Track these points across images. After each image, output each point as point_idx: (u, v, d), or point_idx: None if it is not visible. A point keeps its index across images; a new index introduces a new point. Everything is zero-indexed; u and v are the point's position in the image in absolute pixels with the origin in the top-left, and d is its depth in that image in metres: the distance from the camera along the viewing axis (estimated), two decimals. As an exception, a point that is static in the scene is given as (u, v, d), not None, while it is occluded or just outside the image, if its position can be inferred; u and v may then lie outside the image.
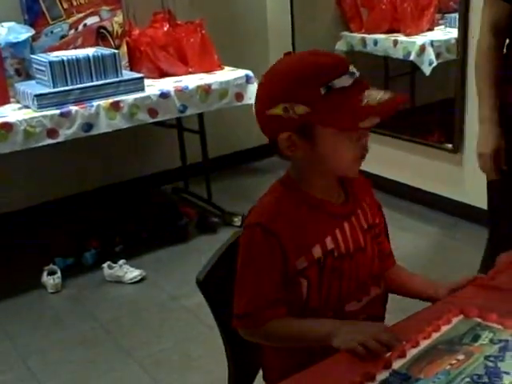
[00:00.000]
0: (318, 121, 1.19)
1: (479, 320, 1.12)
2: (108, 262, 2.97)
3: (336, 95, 1.17)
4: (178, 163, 3.88)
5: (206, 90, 3.17)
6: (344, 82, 1.18)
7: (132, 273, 2.95)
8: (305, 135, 1.22)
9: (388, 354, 1.03)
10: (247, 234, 1.28)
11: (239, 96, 3.29)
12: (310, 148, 1.23)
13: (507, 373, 0.97)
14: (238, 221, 3.32)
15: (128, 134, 3.37)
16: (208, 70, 3.37)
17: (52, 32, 3.18)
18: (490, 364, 0.99)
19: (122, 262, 2.97)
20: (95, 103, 2.85)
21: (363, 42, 3.95)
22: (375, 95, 1.20)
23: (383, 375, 0.98)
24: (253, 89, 3.29)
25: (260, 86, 1.29)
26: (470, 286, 1.32)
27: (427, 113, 3.79)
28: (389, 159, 3.67)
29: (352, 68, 1.20)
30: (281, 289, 1.25)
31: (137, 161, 3.89)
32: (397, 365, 1.00)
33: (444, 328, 1.10)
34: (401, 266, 1.47)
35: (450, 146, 3.37)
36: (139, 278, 2.94)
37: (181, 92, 3.09)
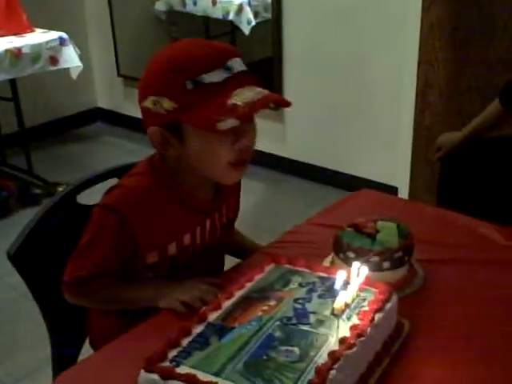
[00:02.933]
0: (183, 118, 1.10)
1: (289, 266, 1.17)
2: None
3: (203, 91, 1.08)
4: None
5: (15, 54, 2.96)
6: (214, 77, 1.08)
7: None
8: (175, 132, 1.14)
9: (203, 308, 1.04)
10: (101, 215, 1.18)
11: (54, 60, 3.12)
12: (181, 147, 1.15)
13: (313, 312, 1.03)
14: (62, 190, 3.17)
15: None
16: (17, 33, 3.15)
17: None
18: (298, 306, 1.05)
19: None
20: None
21: (183, 1, 3.92)
22: (248, 94, 1.09)
23: (199, 329, 1.00)
24: (69, 52, 3.14)
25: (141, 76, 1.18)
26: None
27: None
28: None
29: (232, 62, 1.11)
30: (119, 269, 1.21)
31: None
32: (212, 317, 1.02)
33: (257, 277, 1.14)
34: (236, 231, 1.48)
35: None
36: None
37: (-13, 56, 2.86)
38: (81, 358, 1.41)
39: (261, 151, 3.57)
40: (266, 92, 1.13)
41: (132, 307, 1.24)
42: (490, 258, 1.33)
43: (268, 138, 3.59)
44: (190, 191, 1.22)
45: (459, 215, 1.49)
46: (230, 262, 1.41)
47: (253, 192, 3.35)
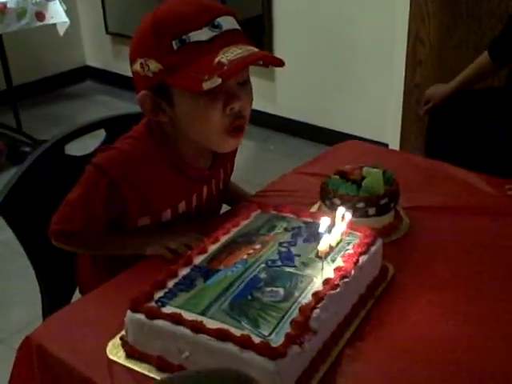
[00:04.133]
0: (170, 80, 1.06)
1: (275, 212, 1.18)
2: None
3: (189, 51, 1.04)
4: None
5: (0, 9, 2.91)
6: (201, 35, 1.04)
7: None
8: (164, 96, 1.10)
9: (189, 252, 1.05)
10: (93, 175, 1.14)
11: (40, 15, 3.07)
12: (172, 112, 1.12)
13: (298, 255, 1.04)
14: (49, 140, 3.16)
15: None
16: (0, -12, 3.09)
17: None
18: (283, 249, 1.06)
19: None
20: None
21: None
22: (235, 52, 1.04)
23: (185, 271, 1.00)
24: (55, 7, 3.08)
25: None
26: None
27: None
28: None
29: (221, 20, 1.06)
30: (107, 227, 1.21)
31: None
32: (198, 260, 1.03)
33: (243, 223, 1.15)
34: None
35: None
36: None
37: (-29, 12, 2.81)
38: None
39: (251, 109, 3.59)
40: (255, 49, 1.08)
41: (119, 253, 1.22)
42: (478, 207, 1.34)
43: (258, 95, 3.56)
44: (186, 159, 1.19)
45: (448, 165, 1.50)
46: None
47: (243, 149, 3.33)
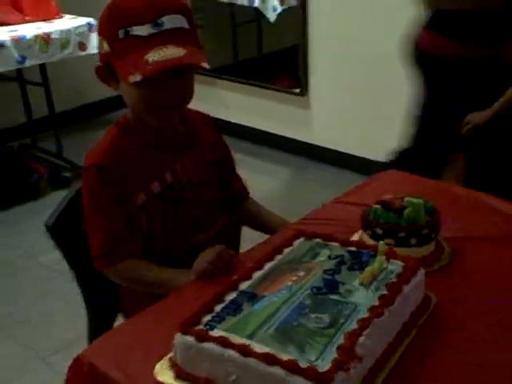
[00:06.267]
0: (114, 63, 1.21)
1: (318, 240, 1.20)
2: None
3: (131, 42, 1.17)
4: (23, 119, 3.69)
5: (45, 39, 3.01)
6: (140, 31, 1.17)
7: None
8: (112, 73, 1.24)
9: (234, 277, 1.08)
10: (85, 177, 1.31)
11: (82, 45, 3.17)
12: (118, 87, 1.26)
13: (343, 283, 1.05)
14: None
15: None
16: (46, 18, 3.21)
17: None
18: (328, 277, 1.07)
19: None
20: None
21: (208, -12, 3.94)
22: (166, 53, 1.17)
23: (231, 296, 1.03)
24: (96, 38, 3.18)
25: None
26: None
27: (275, 59, 3.89)
28: (241, 105, 3.74)
29: (165, 19, 1.17)
30: (128, 224, 1.28)
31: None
32: (244, 286, 1.06)
33: (286, 250, 1.17)
34: (258, 203, 1.54)
35: (297, 90, 3.50)
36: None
37: (18, 41, 2.91)
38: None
39: (286, 137, 3.63)
40: (182, 53, 1.17)
41: (159, 290, 1.26)
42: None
43: (293, 123, 3.62)
44: (155, 133, 1.31)
45: (488, 196, 1.50)
46: (255, 237, 1.45)
47: (278, 177, 3.38)
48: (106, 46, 1.20)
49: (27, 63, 2.99)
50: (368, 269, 1.02)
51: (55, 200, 3.40)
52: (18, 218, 3.01)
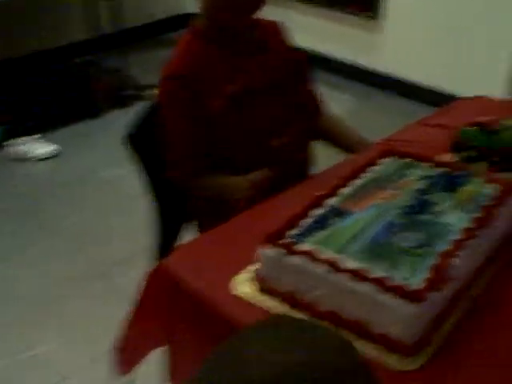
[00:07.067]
0: None
1: (408, 160, 1.14)
2: (16, 139, 2.83)
3: None
4: (89, 34, 3.66)
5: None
6: None
7: (46, 147, 2.83)
8: None
9: (319, 193, 1.04)
10: (161, 87, 1.29)
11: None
12: None
13: (435, 203, 1.01)
14: (150, 93, 3.20)
15: (29, 3, 3.10)
16: None
17: None
18: (420, 196, 1.03)
19: (37, 136, 2.85)
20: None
21: None
22: None
23: (318, 211, 1.00)
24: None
25: None
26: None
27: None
28: (312, 29, 3.59)
29: None
30: (204, 138, 1.28)
31: (41, 32, 3.62)
32: (329, 202, 1.02)
33: (373, 168, 1.12)
34: (336, 118, 1.49)
35: (369, 12, 3.35)
36: (55, 152, 2.83)
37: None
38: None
39: (351, 64, 3.50)
40: None
41: (222, 195, 1.32)
42: None
43: (363, 49, 3.48)
44: (232, 36, 1.29)
45: None
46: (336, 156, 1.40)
47: (340, 104, 3.27)
48: None
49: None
50: (465, 189, 0.96)
51: (116, 118, 3.45)
52: (80, 134, 3.03)
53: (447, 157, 1.25)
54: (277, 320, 0.57)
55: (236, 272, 0.99)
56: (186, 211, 1.46)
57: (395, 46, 3.35)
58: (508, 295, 0.94)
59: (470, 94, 2.81)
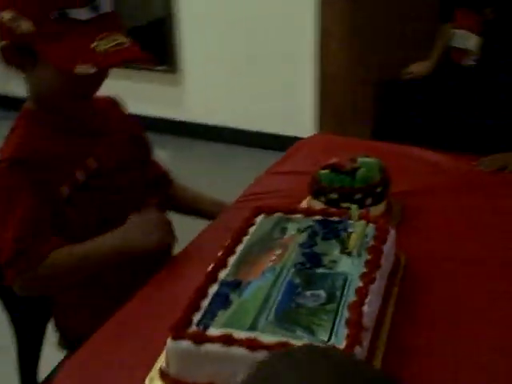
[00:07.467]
0: (41, 47, 1.06)
1: (280, 214, 1.14)
2: None
3: (66, 26, 1.04)
4: None
5: None
6: (79, 14, 1.05)
7: None
8: (25, 56, 1.08)
9: (210, 267, 0.99)
10: (2, 172, 1.12)
11: None
12: (31, 72, 1.12)
13: (324, 254, 1.01)
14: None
15: None
16: None
17: None
18: (307, 250, 1.02)
19: None
20: None
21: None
22: (111, 42, 1.07)
23: (214, 288, 0.94)
24: None
25: None
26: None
27: (138, 35, 3.68)
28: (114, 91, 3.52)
29: (100, 1, 1.06)
30: (47, 222, 1.14)
31: None
32: (223, 275, 0.97)
33: (251, 230, 1.10)
34: (184, 186, 1.45)
35: (165, 66, 3.37)
36: None
37: None
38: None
39: (159, 118, 3.48)
40: (128, 43, 1.09)
41: (90, 267, 1.15)
42: (452, 185, 1.38)
43: (165, 102, 3.49)
44: (66, 119, 1.19)
45: (411, 147, 1.52)
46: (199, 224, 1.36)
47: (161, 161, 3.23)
48: (25, 26, 1.04)
49: None
50: (353, 236, 0.97)
51: None
52: None
53: (305, 203, 1.26)
54: None
55: (146, 373, 0.89)
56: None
57: (197, 95, 3.42)
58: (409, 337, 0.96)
59: (280, 132, 2.94)
